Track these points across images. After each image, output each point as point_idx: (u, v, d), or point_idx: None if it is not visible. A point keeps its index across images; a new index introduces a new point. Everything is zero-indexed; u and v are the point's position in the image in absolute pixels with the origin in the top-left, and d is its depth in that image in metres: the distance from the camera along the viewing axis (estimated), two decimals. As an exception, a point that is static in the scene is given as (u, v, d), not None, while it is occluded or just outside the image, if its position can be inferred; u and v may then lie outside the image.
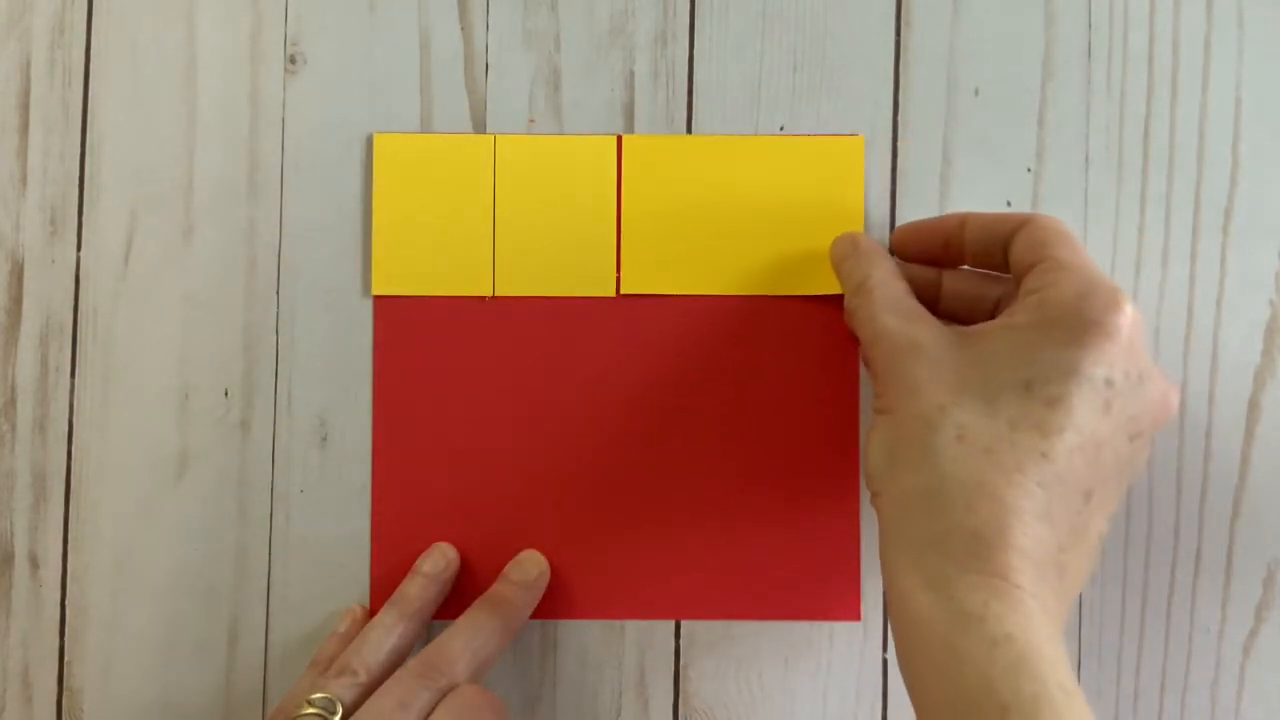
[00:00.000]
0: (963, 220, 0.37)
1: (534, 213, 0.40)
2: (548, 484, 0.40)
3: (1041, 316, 0.32)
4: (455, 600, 0.39)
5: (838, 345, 0.40)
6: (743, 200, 0.40)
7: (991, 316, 0.36)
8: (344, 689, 0.35)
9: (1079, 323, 0.31)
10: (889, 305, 0.35)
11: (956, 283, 0.38)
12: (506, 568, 0.39)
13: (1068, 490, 0.31)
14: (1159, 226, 0.40)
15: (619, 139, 0.40)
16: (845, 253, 0.38)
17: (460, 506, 0.40)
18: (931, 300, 0.38)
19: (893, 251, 0.39)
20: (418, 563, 0.39)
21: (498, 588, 0.39)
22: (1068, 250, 0.33)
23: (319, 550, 0.40)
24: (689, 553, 0.40)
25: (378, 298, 0.40)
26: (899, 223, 0.40)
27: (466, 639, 0.36)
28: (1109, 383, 0.31)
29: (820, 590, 0.40)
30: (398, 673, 0.35)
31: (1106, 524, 0.33)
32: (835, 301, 0.40)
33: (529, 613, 0.39)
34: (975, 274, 0.38)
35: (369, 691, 0.35)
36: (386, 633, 0.37)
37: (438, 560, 0.39)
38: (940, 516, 0.31)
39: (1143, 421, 0.32)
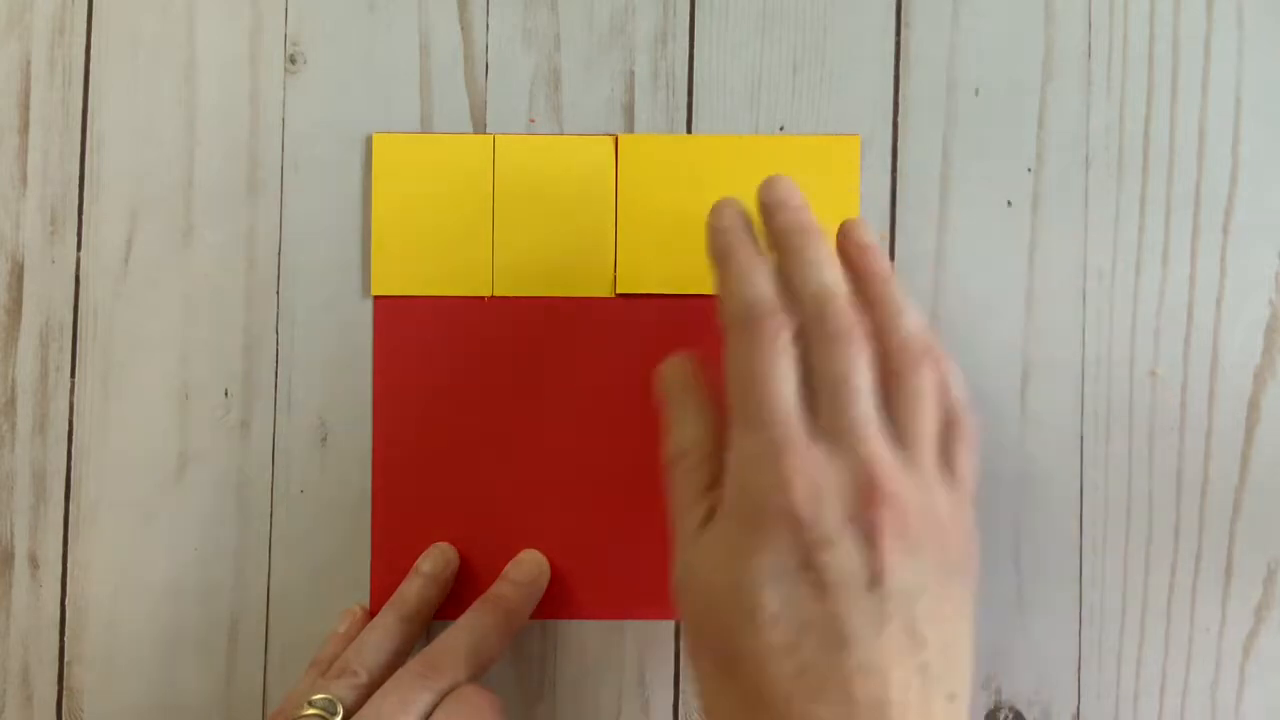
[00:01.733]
0: None
1: (533, 213, 0.40)
2: (547, 483, 0.40)
3: (727, 511, 0.31)
4: (455, 600, 0.39)
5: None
6: (742, 200, 0.40)
7: None
8: (345, 690, 0.35)
9: (752, 518, 0.30)
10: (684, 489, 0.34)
11: None
12: (506, 567, 0.39)
13: (821, 667, 0.29)
14: (1159, 226, 0.40)
15: (616, 139, 0.40)
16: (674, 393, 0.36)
17: (460, 506, 0.40)
18: None
19: None
20: (417, 563, 0.39)
21: (497, 587, 0.39)
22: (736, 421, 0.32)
23: (319, 550, 0.40)
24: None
25: (378, 298, 0.40)
26: (899, 223, 0.40)
27: (466, 639, 0.36)
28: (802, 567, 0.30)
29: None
30: (398, 673, 0.35)
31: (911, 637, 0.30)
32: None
33: (529, 612, 0.39)
34: None
35: (370, 692, 0.35)
36: (386, 633, 0.37)
37: (437, 560, 0.39)
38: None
39: (848, 536, 0.30)
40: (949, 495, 0.32)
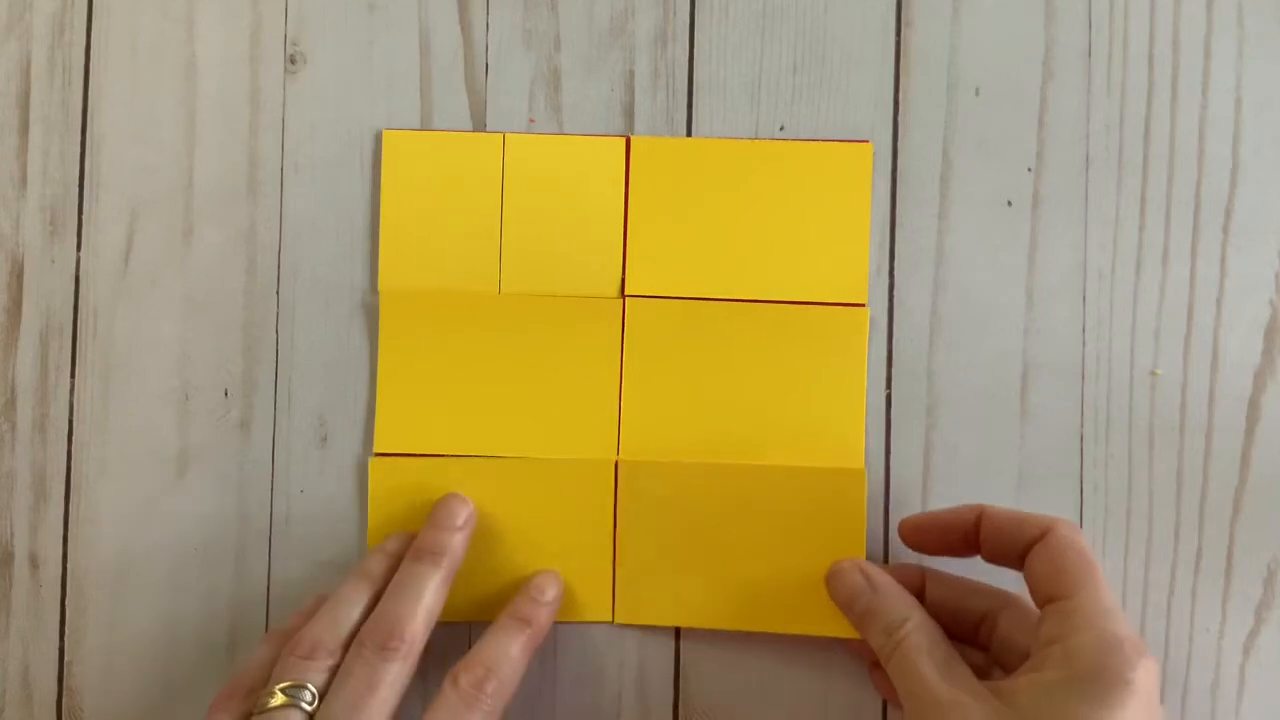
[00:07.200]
0: (979, 515, 0.37)
1: (541, 212, 0.40)
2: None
3: (1069, 673, 0.32)
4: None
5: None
6: (750, 204, 0.40)
7: (974, 630, 0.37)
8: (316, 673, 0.34)
9: (1106, 680, 0.32)
10: (927, 654, 0.35)
11: (939, 591, 0.38)
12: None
13: None
14: (1159, 226, 0.40)
15: (628, 140, 0.40)
16: (858, 589, 0.37)
17: (460, 506, 0.40)
18: None
19: (902, 539, 0.39)
20: (383, 542, 0.38)
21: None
22: (1087, 591, 0.34)
23: (319, 551, 0.40)
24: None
25: (384, 292, 0.40)
26: (899, 224, 0.40)
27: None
28: None
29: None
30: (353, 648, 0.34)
31: None
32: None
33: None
34: (960, 585, 0.38)
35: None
36: (357, 607, 0.36)
37: (401, 540, 0.38)
38: None
39: None
40: None
